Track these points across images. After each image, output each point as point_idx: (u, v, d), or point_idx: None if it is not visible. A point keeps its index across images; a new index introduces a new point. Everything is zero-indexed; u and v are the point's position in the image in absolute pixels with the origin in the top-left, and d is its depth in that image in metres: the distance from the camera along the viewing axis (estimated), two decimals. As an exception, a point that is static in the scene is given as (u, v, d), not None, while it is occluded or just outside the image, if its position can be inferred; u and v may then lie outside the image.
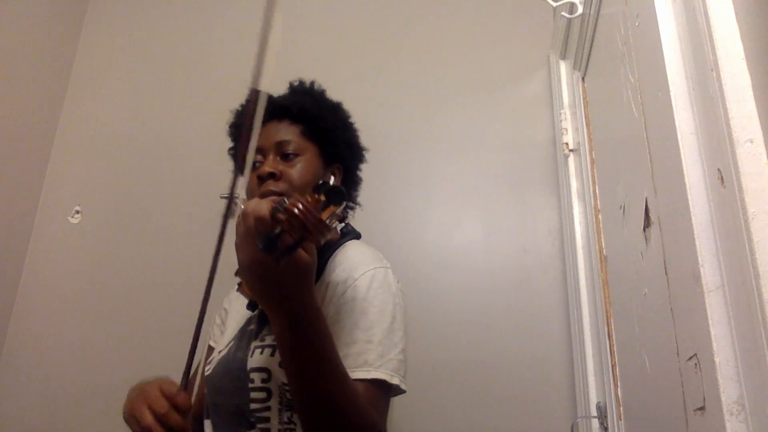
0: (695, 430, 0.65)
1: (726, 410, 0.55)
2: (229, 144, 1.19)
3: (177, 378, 0.79)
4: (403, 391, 0.91)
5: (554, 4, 1.49)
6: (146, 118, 2.12)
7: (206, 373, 1.00)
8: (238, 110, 1.18)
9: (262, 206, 0.72)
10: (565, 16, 1.48)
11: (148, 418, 0.72)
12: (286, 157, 1.04)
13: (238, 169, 0.90)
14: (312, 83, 1.16)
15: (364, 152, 1.18)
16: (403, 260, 1.51)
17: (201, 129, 2.04)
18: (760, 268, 0.52)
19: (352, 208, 1.17)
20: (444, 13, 2.02)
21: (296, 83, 1.16)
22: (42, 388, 1.82)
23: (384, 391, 0.88)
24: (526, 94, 1.86)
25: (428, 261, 1.70)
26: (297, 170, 1.03)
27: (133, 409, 0.74)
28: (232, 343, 1.01)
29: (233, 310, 1.13)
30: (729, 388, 0.56)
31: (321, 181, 0.73)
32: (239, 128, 1.12)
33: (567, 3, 1.44)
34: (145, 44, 2.24)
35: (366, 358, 0.86)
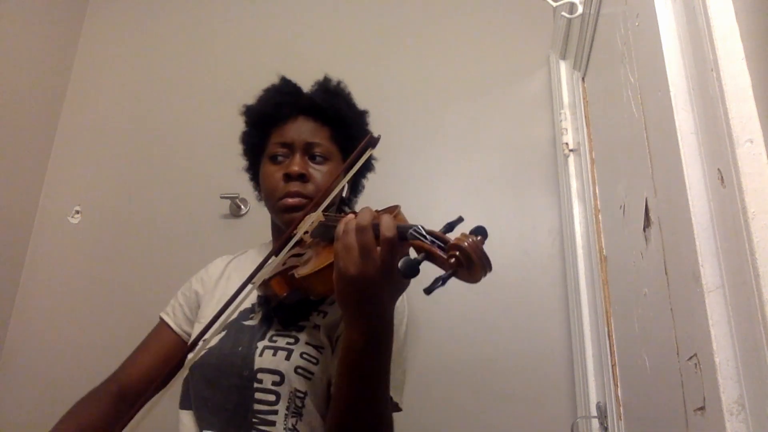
0: (695, 430, 0.65)
1: (726, 410, 0.55)
2: (238, 130, 1.15)
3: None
4: (399, 410, 0.92)
5: (554, 4, 1.49)
6: (146, 118, 2.12)
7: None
8: (262, 96, 1.13)
9: (390, 224, 0.71)
10: (565, 16, 1.48)
11: None
12: (312, 158, 1.03)
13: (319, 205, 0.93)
14: (339, 82, 1.13)
15: (374, 161, 1.17)
16: (403, 260, 1.51)
17: (201, 129, 2.04)
18: (760, 268, 0.52)
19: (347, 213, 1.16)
20: (444, 14, 2.02)
21: (324, 80, 1.13)
22: (42, 388, 1.82)
23: None
24: (526, 94, 1.85)
25: (428, 261, 1.70)
26: (323, 175, 1.02)
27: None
28: (224, 334, 0.97)
29: (213, 297, 1.07)
30: (729, 388, 0.56)
31: (459, 217, 0.75)
32: (263, 117, 1.09)
33: (567, 3, 1.45)
34: (145, 44, 2.24)
35: None
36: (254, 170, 1.15)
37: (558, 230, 1.66)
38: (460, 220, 0.74)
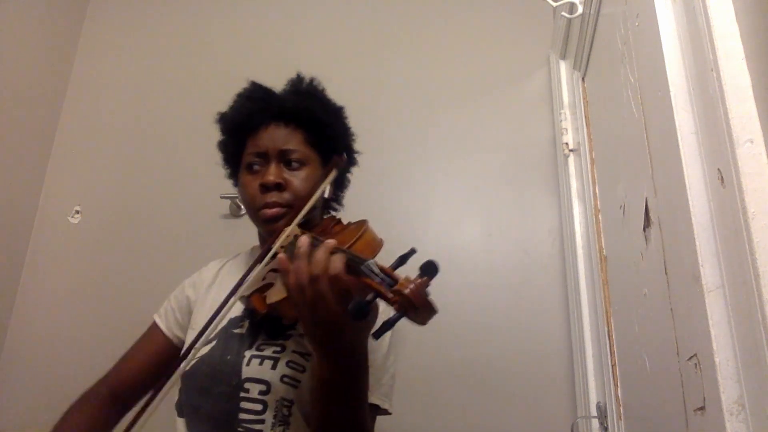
0: (695, 430, 0.65)
1: (726, 410, 0.55)
2: (219, 136, 1.15)
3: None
4: (389, 414, 0.92)
5: (554, 4, 1.49)
6: (146, 118, 2.12)
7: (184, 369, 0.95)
8: (234, 103, 1.11)
9: (338, 264, 0.69)
10: (565, 16, 1.48)
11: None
12: (288, 163, 1.00)
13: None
14: (312, 80, 1.10)
15: (356, 155, 1.14)
16: (403, 260, 1.51)
17: (201, 129, 2.03)
18: (760, 268, 0.52)
19: (335, 210, 1.14)
20: (444, 13, 2.02)
21: (296, 80, 1.09)
22: (42, 387, 1.82)
23: (373, 414, 0.89)
24: (526, 94, 1.86)
25: (428, 261, 1.70)
26: (301, 180, 0.99)
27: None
28: (214, 343, 0.96)
29: (205, 304, 1.06)
30: (729, 388, 0.56)
31: (411, 249, 0.71)
32: (235, 126, 1.08)
33: (567, 3, 1.45)
34: (145, 44, 2.24)
35: None
36: (235, 179, 1.13)
37: (558, 230, 1.66)
38: (412, 252, 0.71)
